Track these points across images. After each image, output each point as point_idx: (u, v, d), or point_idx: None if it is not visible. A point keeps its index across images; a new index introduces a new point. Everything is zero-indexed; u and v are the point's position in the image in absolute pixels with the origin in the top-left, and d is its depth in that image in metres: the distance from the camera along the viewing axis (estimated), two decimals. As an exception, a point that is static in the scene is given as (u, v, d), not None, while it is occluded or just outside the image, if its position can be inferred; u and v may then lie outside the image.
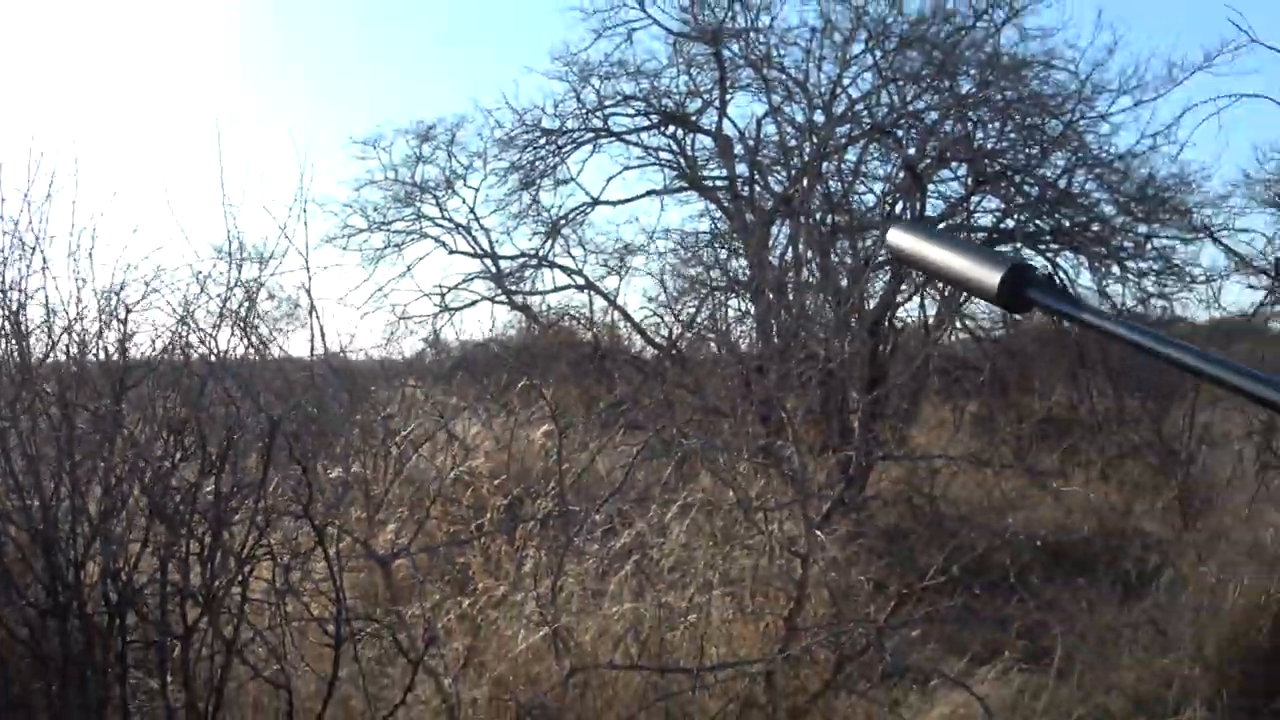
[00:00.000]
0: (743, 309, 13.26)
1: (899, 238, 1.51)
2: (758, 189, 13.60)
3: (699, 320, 13.39)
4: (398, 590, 4.82)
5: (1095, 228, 13.19)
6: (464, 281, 14.72)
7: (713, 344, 12.64)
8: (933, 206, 13.34)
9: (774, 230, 13.18)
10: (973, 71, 13.32)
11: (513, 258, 14.73)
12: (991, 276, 1.25)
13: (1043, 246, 13.27)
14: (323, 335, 6.01)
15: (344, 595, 4.01)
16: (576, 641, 5.07)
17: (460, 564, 5.53)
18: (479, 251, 14.76)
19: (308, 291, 5.74)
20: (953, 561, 6.00)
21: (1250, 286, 12.52)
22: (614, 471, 7.19)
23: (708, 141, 13.96)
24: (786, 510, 6.36)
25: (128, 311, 4.30)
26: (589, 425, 8.13)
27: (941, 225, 13.00)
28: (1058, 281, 1.25)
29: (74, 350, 4.47)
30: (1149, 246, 13.14)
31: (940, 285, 13.52)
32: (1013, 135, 13.31)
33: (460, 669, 4.65)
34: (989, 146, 13.20)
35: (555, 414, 6.15)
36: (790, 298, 11.89)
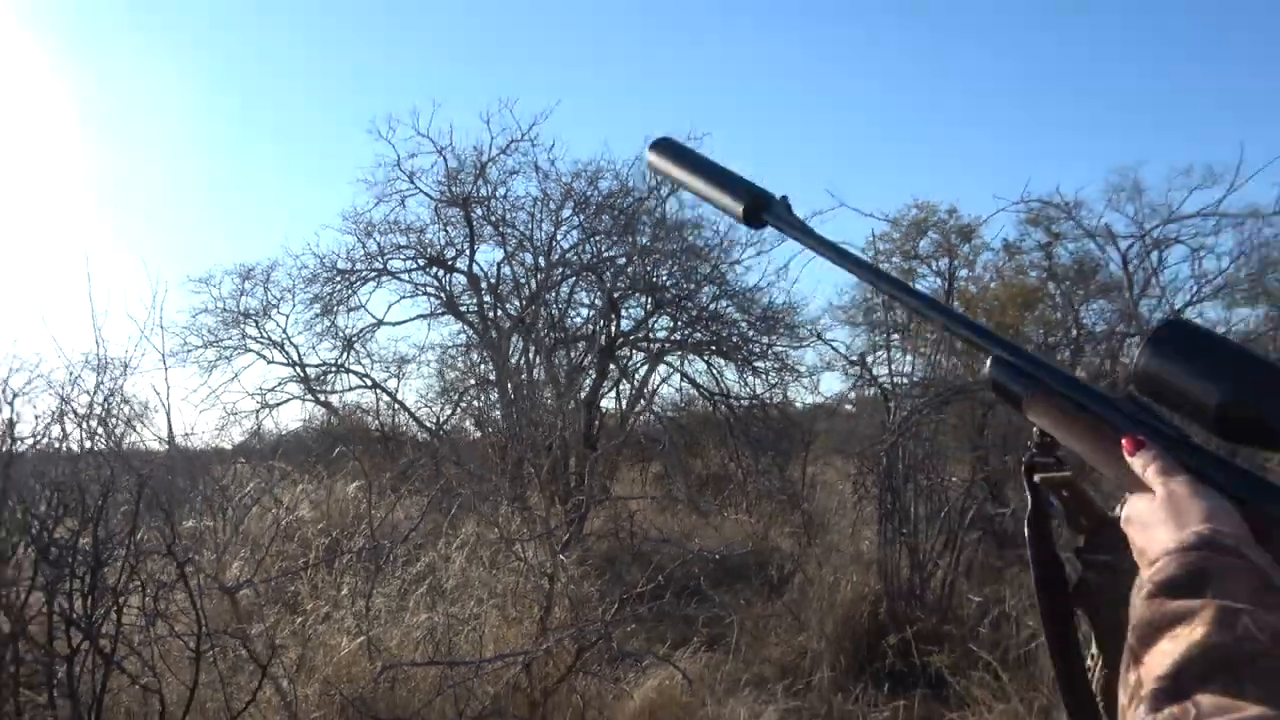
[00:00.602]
0: (491, 400, 13.25)
1: (657, 160, 1.26)
2: (499, 313, 13.67)
3: (460, 408, 13.36)
4: (243, 614, 4.49)
5: (735, 339, 13.84)
6: (279, 385, 14.35)
7: (471, 426, 12.53)
8: (625, 324, 13.72)
9: (512, 343, 13.21)
10: (649, 229, 13.88)
11: (317, 366, 14.41)
12: (735, 205, 1.14)
13: (702, 351, 13.86)
14: (170, 427, 5.65)
15: (204, 617, 3.71)
16: (386, 646, 4.84)
17: (292, 591, 5.22)
18: (291, 362, 14.34)
19: (159, 393, 5.41)
20: (653, 577, 6.08)
21: (847, 372, 13.28)
22: (406, 520, 6.95)
23: (462, 279, 13.95)
24: (536, 542, 6.30)
25: (15, 396, 3.90)
26: (382, 487, 7.84)
27: (631, 337, 13.35)
28: (790, 211, 1.12)
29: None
30: (770, 351, 13.87)
31: (635, 383, 13.86)
32: (678, 274, 13.87)
33: (295, 673, 4.36)
34: (662, 282, 13.73)
35: (366, 473, 5.94)
36: (525, 391, 11.92)
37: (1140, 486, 0.82)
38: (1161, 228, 11.15)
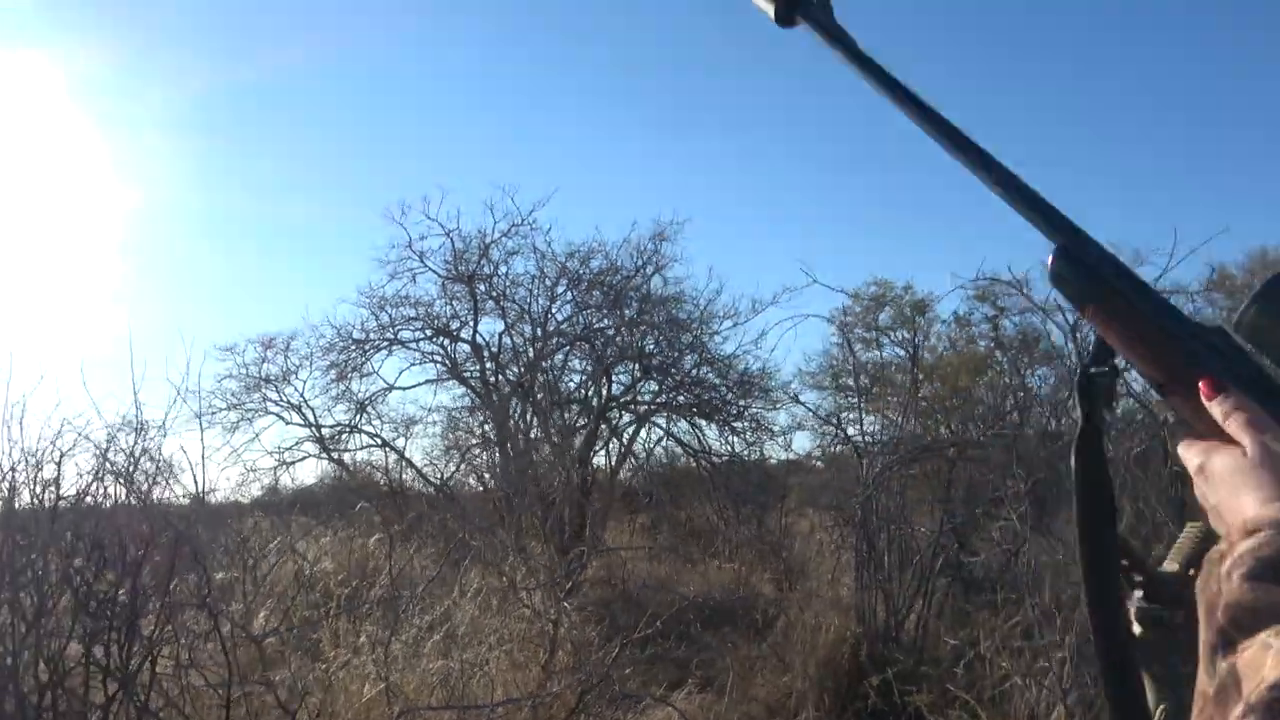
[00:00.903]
0: (494, 460, 13.08)
1: None
2: (500, 379, 13.58)
3: (464, 465, 13.17)
4: (268, 661, 4.26)
5: (715, 401, 13.76)
6: (296, 444, 13.96)
7: (473, 481, 12.33)
8: (615, 389, 13.62)
9: (512, 405, 13.12)
10: (635, 303, 13.87)
11: (331, 427, 14.09)
12: (766, 2, 0.91)
13: (685, 413, 13.76)
14: (196, 484, 5.47)
15: (235, 665, 3.50)
16: (403, 691, 4.61)
17: (315, 639, 4.97)
18: (308, 423, 14.00)
19: (186, 451, 5.25)
20: (649, 622, 5.91)
21: (817, 431, 13.17)
22: (422, 572, 6.71)
23: (466, 348, 13.86)
24: (541, 590, 6.12)
25: (62, 455, 3.72)
26: (393, 538, 7.59)
27: (621, 400, 13.22)
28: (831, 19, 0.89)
29: (5, 491, 3.82)
30: (746, 413, 13.79)
31: (624, 442, 13.69)
32: (662, 343, 13.82)
33: (318, 718, 4.13)
34: (648, 350, 13.70)
35: (385, 527, 5.74)
36: (524, 449, 11.78)
37: (1217, 433, 0.66)
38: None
